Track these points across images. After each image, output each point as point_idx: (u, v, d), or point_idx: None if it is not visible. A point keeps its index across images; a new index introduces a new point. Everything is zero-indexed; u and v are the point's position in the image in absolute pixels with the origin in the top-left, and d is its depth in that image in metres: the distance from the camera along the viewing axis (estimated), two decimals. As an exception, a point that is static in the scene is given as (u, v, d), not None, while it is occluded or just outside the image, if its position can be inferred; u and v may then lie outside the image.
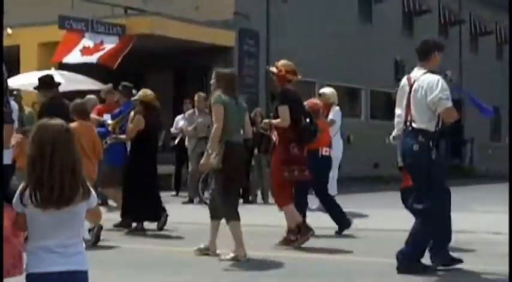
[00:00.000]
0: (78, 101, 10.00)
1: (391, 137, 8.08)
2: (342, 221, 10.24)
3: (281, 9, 21.90)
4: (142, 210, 10.39)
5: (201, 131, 14.39)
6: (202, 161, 8.47)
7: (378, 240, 9.74)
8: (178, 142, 15.81)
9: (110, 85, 13.89)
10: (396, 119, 7.59)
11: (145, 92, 10.68)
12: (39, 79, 11.18)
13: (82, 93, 14.89)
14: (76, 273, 3.75)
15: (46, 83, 10.89)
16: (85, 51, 17.74)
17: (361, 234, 10.10)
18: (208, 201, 9.11)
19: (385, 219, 11.66)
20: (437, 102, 7.08)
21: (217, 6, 20.79)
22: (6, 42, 19.37)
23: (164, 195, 11.76)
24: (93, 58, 17.32)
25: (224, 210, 8.20)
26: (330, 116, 12.36)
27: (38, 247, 3.73)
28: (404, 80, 7.45)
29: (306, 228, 9.10)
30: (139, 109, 10.50)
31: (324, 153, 10.45)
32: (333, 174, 12.49)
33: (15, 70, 14.42)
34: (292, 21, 21.94)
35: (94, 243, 8.89)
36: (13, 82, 13.76)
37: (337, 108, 12.73)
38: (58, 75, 17.40)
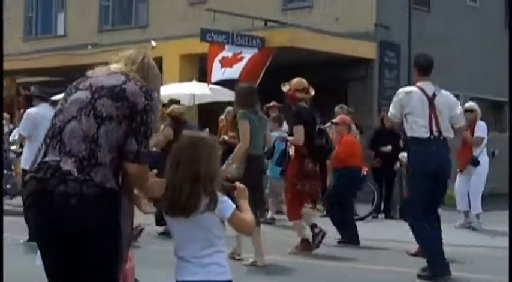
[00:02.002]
0: None
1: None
2: (346, 232, 10.67)
3: (423, 20, 21.40)
4: None
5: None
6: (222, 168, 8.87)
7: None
8: None
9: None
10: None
11: (173, 107, 11.59)
12: (25, 96, 12.15)
13: (225, 104, 15.05)
14: None
15: (28, 99, 11.76)
16: (224, 61, 17.84)
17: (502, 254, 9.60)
18: None
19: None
20: (459, 120, 8.24)
21: (358, 18, 20.55)
22: (149, 54, 19.73)
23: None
24: (234, 73, 17.32)
25: None
26: (477, 133, 11.99)
27: (177, 256, 3.83)
28: (416, 90, 8.08)
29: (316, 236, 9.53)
30: (169, 122, 11.34)
31: (364, 173, 11.17)
32: (479, 191, 12.15)
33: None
34: (434, 32, 21.38)
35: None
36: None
37: (483, 123, 12.31)
38: (199, 87, 17.69)
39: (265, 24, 20.14)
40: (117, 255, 3.78)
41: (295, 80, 10.04)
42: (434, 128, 7.94)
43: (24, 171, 11.67)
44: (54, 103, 11.86)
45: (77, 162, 3.69)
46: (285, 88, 9.98)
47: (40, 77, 24.74)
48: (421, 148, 7.99)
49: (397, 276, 8.38)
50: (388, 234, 11.48)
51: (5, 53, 24.88)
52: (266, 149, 9.88)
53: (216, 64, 17.98)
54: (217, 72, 17.80)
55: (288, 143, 10.05)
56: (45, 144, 3.84)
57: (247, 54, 17.90)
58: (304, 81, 9.97)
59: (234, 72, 17.25)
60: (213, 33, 18.20)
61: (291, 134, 9.81)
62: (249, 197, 8.60)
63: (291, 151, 9.97)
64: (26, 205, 3.83)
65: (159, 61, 19.94)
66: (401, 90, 8.36)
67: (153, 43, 21.11)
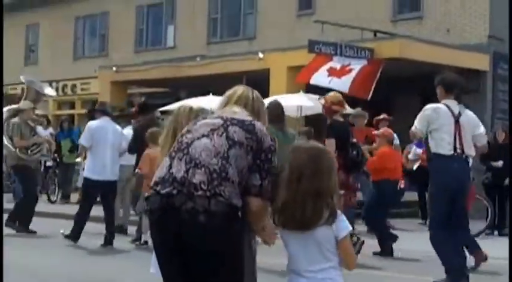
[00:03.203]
0: (154, 129, 10.85)
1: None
2: (385, 245, 10.73)
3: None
4: None
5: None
6: None
7: None
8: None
9: (359, 109, 13.75)
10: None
11: None
12: (139, 105, 13.24)
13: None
14: None
15: (142, 109, 12.80)
16: (331, 71, 17.62)
17: None
18: None
19: None
20: (481, 139, 8.52)
21: (470, 29, 20.02)
22: (257, 65, 19.99)
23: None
24: (343, 86, 17.03)
25: None
26: None
27: (290, 269, 3.78)
28: (444, 108, 8.33)
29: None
30: None
31: (401, 186, 11.12)
32: None
33: (264, 93, 14.63)
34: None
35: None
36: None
37: None
38: (306, 99, 17.52)
39: (375, 35, 19.86)
40: (243, 273, 3.82)
41: (332, 93, 10.43)
42: (458, 146, 8.25)
43: (87, 180, 11.71)
44: (114, 117, 12.49)
45: (207, 174, 3.70)
46: (322, 101, 10.37)
47: (150, 88, 25.18)
48: (444, 164, 8.25)
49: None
50: (501, 252, 10.99)
51: (117, 64, 25.49)
52: None
53: (323, 70, 17.74)
54: (322, 77, 17.53)
55: None
56: (170, 158, 3.86)
57: (356, 66, 17.63)
58: (339, 95, 10.33)
59: (342, 84, 16.93)
60: (321, 45, 18.06)
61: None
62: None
63: None
64: (150, 221, 3.85)
65: (266, 73, 20.11)
66: (428, 106, 8.52)
67: (260, 55, 21.33)
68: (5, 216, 12.42)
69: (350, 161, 9.90)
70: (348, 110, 15.67)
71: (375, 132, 12.15)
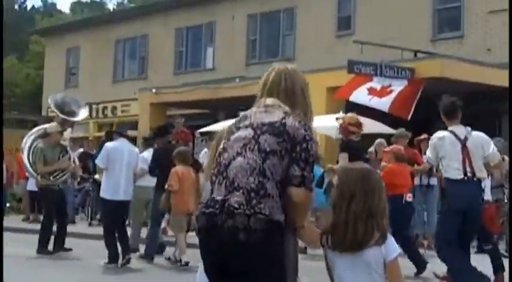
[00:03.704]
0: (181, 148, 11.47)
1: None
2: (419, 262, 10.61)
3: None
4: None
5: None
6: None
7: None
8: None
9: (402, 129, 13.66)
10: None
11: None
12: (157, 128, 13.58)
13: (375, 136, 14.77)
14: None
15: (160, 132, 13.05)
16: (372, 91, 17.52)
17: None
18: None
19: None
20: (493, 157, 8.67)
21: (511, 48, 19.79)
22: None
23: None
24: (383, 105, 16.91)
25: None
26: None
27: None
28: (448, 135, 8.63)
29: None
30: None
31: (407, 199, 10.99)
32: None
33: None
34: None
35: None
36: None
37: None
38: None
39: (415, 55, 19.73)
40: None
41: (349, 114, 10.85)
42: (468, 169, 8.48)
43: (102, 200, 11.94)
44: (130, 139, 12.79)
45: (245, 194, 3.75)
46: (339, 121, 10.83)
47: (189, 109, 25.28)
48: (455, 188, 8.55)
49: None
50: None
51: (156, 86, 25.65)
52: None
53: (363, 88, 17.64)
54: (362, 95, 17.41)
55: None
56: (212, 182, 3.94)
57: (397, 87, 17.50)
58: (357, 117, 10.68)
59: (383, 104, 16.83)
60: (360, 65, 17.98)
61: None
62: None
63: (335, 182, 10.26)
64: (198, 239, 3.96)
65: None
66: (434, 135, 8.86)
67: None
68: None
69: None
70: (390, 130, 15.60)
71: (387, 149, 12.13)
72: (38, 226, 13.37)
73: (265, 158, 3.80)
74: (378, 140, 14.11)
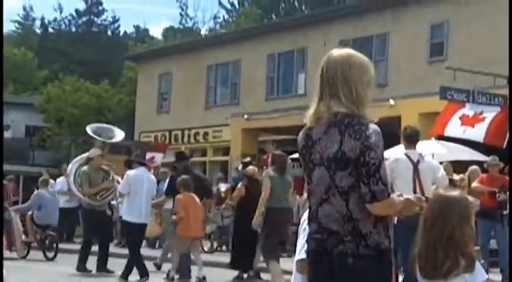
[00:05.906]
0: (184, 176, 12.22)
1: None
2: None
3: None
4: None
5: None
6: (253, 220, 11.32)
7: None
8: None
9: (495, 157, 13.56)
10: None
11: (248, 168, 13.71)
12: (176, 154, 14.33)
13: (467, 163, 14.63)
14: None
15: (178, 157, 13.76)
16: (464, 119, 17.38)
17: None
18: None
19: None
20: (441, 181, 9.51)
21: None
22: (388, 112, 19.88)
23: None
24: (477, 136, 16.78)
25: (262, 253, 11.86)
26: None
27: None
28: (402, 158, 9.58)
29: None
30: (245, 180, 13.31)
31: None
32: None
33: (396, 140, 14.57)
34: None
35: None
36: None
37: None
38: (440, 146, 17.30)
39: (509, 82, 19.40)
40: None
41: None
42: (418, 190, 9.22)
43: (127, 223, 12.96)
44: (148, 167, 13.98)
45: (346, 240, 3.81)
46: None
47: (280, 135, 25.42)
48: None
49: None
50: None
51: (248, 112, 25.89)
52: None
53: (455, 119, 17.54)
54: (456, 128, 17.32)
55: None
56: (308, 224, 4.03)
57: (489, 114, 17.30)
58: None
59: (477, 134, 16.73)
60: (453, 92, 17.83)
61: None
62: (268, 241, 11.31)
63: None
64: (308, 262, 4.04)
65: (397, 119, 20.00)
66: (390, 157, 9.60)
67: (391, 102, 21.27)
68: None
69: None
70: (483, 157, 15.44)
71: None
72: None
73: (348, 199, 3.82)
74: (472, 167, 13.97)
